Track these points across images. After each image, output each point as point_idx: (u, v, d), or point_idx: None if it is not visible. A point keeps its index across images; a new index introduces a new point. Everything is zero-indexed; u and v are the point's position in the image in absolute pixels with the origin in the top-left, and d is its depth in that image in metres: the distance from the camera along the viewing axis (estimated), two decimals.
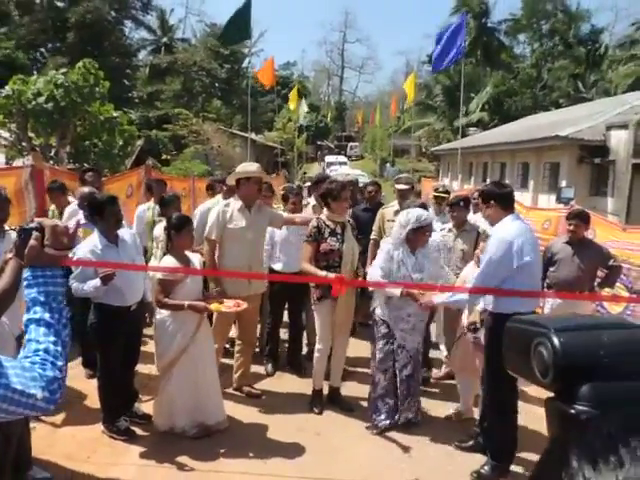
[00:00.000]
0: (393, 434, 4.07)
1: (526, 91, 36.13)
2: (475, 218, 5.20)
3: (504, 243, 3.32)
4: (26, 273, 1.47)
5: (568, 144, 16.22)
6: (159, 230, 4.87)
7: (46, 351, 1.37)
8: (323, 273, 3.96)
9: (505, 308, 3.26)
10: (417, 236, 3.94)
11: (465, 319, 3.96)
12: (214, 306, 3.69)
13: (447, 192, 5.79)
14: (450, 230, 4.91)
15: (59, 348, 1.40)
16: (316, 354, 4.50)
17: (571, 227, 4.93)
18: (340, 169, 30.80)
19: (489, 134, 27.40)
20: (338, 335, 4.41)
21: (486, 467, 3.56)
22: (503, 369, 3.28)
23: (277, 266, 5.18)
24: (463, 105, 30.58)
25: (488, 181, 22.86)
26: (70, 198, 5.51)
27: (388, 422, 4.09)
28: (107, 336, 3.74)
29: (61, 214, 5.21)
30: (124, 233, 3.88)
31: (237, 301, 3.92)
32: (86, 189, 4.90)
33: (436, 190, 5.85)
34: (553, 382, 1.09)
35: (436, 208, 5.81)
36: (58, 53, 35.10)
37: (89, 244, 3.68)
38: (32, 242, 1.47)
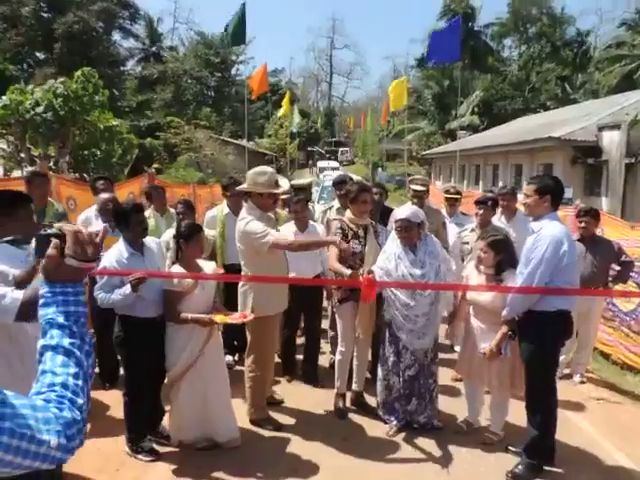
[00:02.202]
0: (421, 436, 4.04)
1: (515, 94, 36.44)
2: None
3: (556, 241, 3.30)
4: (42, 289, 1.23)
5: (561, 145, 16.35)
6: (167, 236, 4.80)
7: (64, 386, 1.12)
8: (349, 272, 3.89)
9: (549, 306, 3.26)
10: (400, 232, 3.94)
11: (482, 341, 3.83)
12: (219, 318, 3.58)
13: (459, 193, 5.80)
14: (473, 230, 4.91)
15: (80, 382, 1.14)
16: (338, 357, 4.47)
17: (582, 224, 4.97)
18: (333, 174, 30.78)
19: (481, 137, 27.60)
20: (360, 337, 4.37)
21: (520, 466, 3.55)
22: (543, 366, 3.29)
23: (290, 275, 5.00)
24: (454, 109, 30.85)
25: (481, 184, 23.07)
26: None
27: (399, 424, 4.09)
28: (134, 350, 3.63)
29: (37, 215, 4.88)
30: (149, 241, 3.81)
31: (243, 312, 3.85)
32: (106, 195, 4.84)
33: (447, 192, 5.85)
34: None
35: (449, 210, 5.81)
36: (45, 64, 34.90)
37: (115, 253, 3.61)
38: (50, 251, 1.24)
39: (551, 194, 3.41)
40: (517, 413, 3.86)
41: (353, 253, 4.25)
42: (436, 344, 4.06)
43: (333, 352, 5.48)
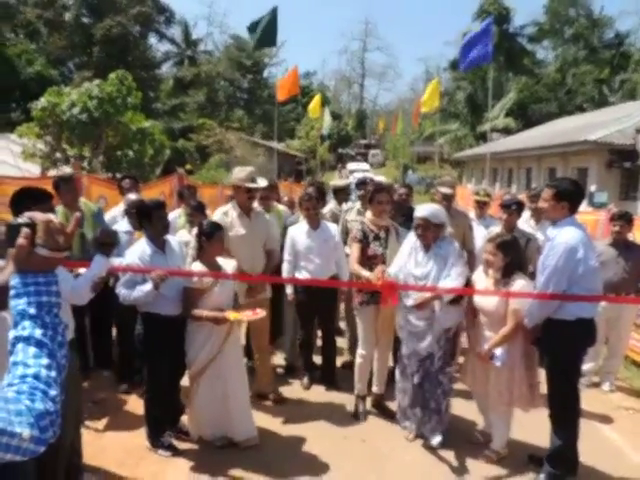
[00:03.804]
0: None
1: (550, 96, 35.73)
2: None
3: (570, 249, 3.22)
4: (14, 280, 1.20)
5: (596, 148, 15.95)
6: (185, 235, 4.84)
7: (36, 377, 1.10)
8: (372, 275, 3.80)
9: (568, 314, 3.17)
10: (416, 230, 3.84)
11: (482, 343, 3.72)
12: (233, 315, 3.60)
13: (488, 196, 5.70)
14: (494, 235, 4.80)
15: (53, 373, 1.12)
16: (358, 359, 4.43)
17: (616, 228, 4.89)
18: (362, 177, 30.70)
19: (514, 139, 27.13)
20: (382, 339, 4.33)
21: (542, 475, 3.46)
22: (565, 375, 3.20)
23: (302, 276, 4.90)
24: (487, 111, 30.38)
25: (514, 188, 22.67)
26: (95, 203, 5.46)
27: (416, 431, 4.01)
28: (156, 347, 3.66)
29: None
30: (171, 240, 3.85)
31: (255, 309, 3.84)
32: (134, 196, 4.91)
33: (477, 194, 5.75)
34: None
35: (477, 212, 5.71)
36: (84, 67, 35.83)
37: (138, 250, 3.66)
38: (21, 241, 1.21)
39: (569, 199, 3.33)
40: (540, 421, 3.76)
41: (374, 255, 4.22)
42: (445, 352, 3.85)
43: (351, 353, 5.48)
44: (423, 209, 3.89)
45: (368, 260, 4.18)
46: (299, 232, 4.87)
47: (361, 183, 5.53)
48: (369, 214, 4.39)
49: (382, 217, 4.31)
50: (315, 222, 4.88)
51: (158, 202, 3.78)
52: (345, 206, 5.82)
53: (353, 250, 4.25)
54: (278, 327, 5.60)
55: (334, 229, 4.97)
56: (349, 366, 5.37)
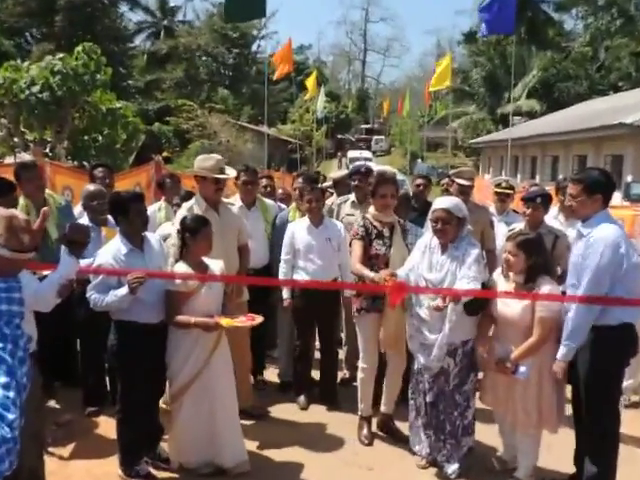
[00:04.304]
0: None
1: (580, 73, 35.75)
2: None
3: (612, 245, 3.23)
4: None
5: (634, 133, 15.96)
6: (168, 228, 4.83)
7: None
8: (377, 276, 3.78)
9: (612, 318, 3.20)
10: (434, 226, 3.81)
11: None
12: (225, 321, 3.60)
13: (511, 187, 5.70)
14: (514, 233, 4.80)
15: (11, 394, 1.07)
16: (360, 374, 4.43)
17: None
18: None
19: (538, 123, 27.19)
20: (391, 352, 4.30)
21: None
22: (606, 391, 3.20)
23: (300, 277, 4.93)
24: (507, 91, 30.42)
25: (537, 178, 22.72)
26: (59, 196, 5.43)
27: (429, 456, 3.99)
28: (131, 360, 3.64)
29: (38, 211, 5.01)
30: (150, 237, 3.84)
31: (251, 315, 3.88)
32: (92, 187, 4.88)
33: (498, 185, 5.75)
34: None
35: (498, 207, 5.72)
36: (46, 39, 35.67)
37: (111, 249, 3.65)
38: None
39: (602, 191, 3.35)
40: (568, 444, 3.76)
41: (376, 255, 4.22)
42: (462, 368, 3.83)
43: (349, 367, 5.48)
44: (442, 201, 3.89)
45: (369, 260, 4.19)
46: (299, 228, 4.89)
47: (356, 172, 5.51)
48: (372, 209, 4.38)
49: (386, 212, 4.31)
50: (317, 217, 4.88)
51: (136, 194, 3.79)
52: (337, 199, 5.77)
53: (354, 248, 4.24)
54: (271, 337, 5.60)
55: (339, 227, 4.98)
56: (348, 382, 5.38)
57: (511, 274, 3.66)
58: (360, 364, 4.43)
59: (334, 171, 9.06)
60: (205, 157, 4.51)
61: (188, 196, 5.12)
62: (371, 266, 4.11)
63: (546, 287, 3.50)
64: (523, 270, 3.57)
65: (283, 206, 5.91)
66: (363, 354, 4.38)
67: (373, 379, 4.42)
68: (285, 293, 4.95)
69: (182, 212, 4.32)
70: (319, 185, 5.64)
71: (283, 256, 4.92)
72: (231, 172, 4.62)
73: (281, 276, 4.93)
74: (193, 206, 4.39)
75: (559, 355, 3.42)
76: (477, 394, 4.00)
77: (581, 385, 3.45)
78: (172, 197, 5.65)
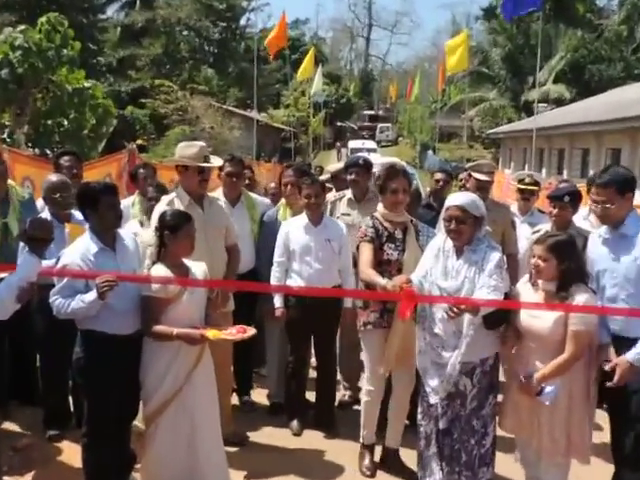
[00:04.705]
0: None
1: (614, 55, 35.87)
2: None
3: None
4: None
5: None
6: (134, 226, 4.86)
7: None
8: (391, 283, 3.74)
9: None
10: (448, 226, 3.79)
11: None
12: (212, 333, 3.59)
13: (536, 183, 5.72)
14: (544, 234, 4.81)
15: None
16: (365, 398, 4.42)
17: None
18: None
19: (566, 111, 27.24)
20: (397, 373, 4.31)
21: None
22: None
23: (295, 283, 4.93)
24: (531, 75, 30.52)
25: (565, 174, 22.79)
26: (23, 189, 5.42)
27: None
28: (100, 376, 3.62)
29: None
30: (124, 235, 3.84)
31: (242, 326, 3.85)
32: (54, 177, 4.87)
33: (521, 181, 5.77)
34: None
35: (521, 205, 5.73)
36: (4, 9, 35.59)
37: (79, 247, 3.64)
38: None
39: (632, 188, 3.44)
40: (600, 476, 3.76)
41: (388, 261, 4.22)
42: (481, 389, 3.82)
43: (349, 387, 5.50)
44: (457, 197, 3.88)
45: (380, 266, 4.18)
46: (295, 227, 4.89)
47: (353, 165, 5.50)
48: (380, 207, 4.39)
49: (397, 211, 4.31)
50: (316, 216, 4.89)
51: (108, 185, 3.80)
52: (332, 195, 5.72)
53: (363, 252, 4.22)
54: (259, 352, 5.59)
55: (341, 226, 4.99)
56: (347, 405, 5.38)
57: (540, 282, 3.64)
58: (365, 386, 4.42)
59: (332, 163, 9.00)
60: (187, 144, 4.52)
61: (160, 190, 5.12)
62: (382, 273, 4.09)
63: (581, 297, 3.48)
64: (555, 277, 3.55)
65: (267, 201, 5.92)
66: (369, 375, 4.37)
67: (379, 404, 4.41)
68: (277, 301, 4.94)
69: (161, 207, 4.31)
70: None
71: (276, 258, 4.91)
72: (217, 161, 4.65)
73: (273, 281, 4.91)
74: (174, 200, 4.39)
75: (631, 356, 3.37)
76: (496, 419, 3.99)
77: (633, 411, 3.44)
78: (147, 190, 5.64)
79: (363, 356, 4.44)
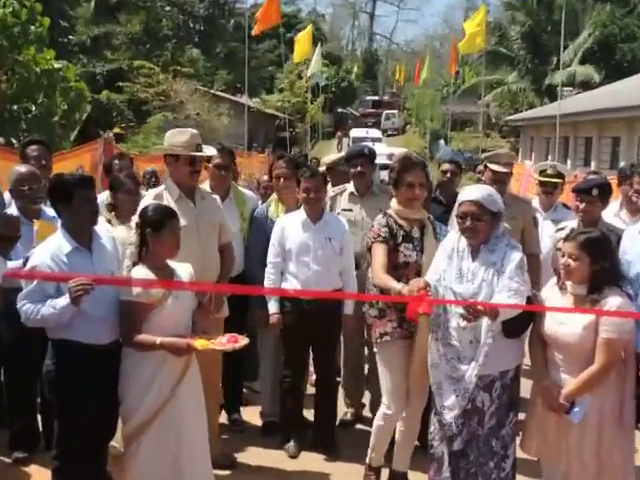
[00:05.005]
0: None
1: None
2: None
3: None
4: None
5: None
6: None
7: None
8: (407, 288, 3.72)
9: None
10: (462, 223, 3.79)
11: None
12: (200, 343, 3.61)
13: (559, 175, 5.73)
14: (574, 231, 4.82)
15: None
16: (379, 422, 4.38)
17: None
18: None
19: (594, 96, 27.25)
20: (412, 389, 4.26)
21: None
22: None
23: (290, 287, 4.91)
24: (555, 55, 30.54)
25: (593, 165, 22.80)
26: None
27: None
28: (73, 390, 3.61)
29: None
30: (101, 233, 3.85)
31: (234, 335, 3.85)
32: (23, 168, 4.88)
33: (542, 172, 5.78)
34: None
35: (543, 200, 5.74)
36: None
37: (50, 247, 3.63)
38: None
39: None
40: None
41: (405, 264, 4.22)
42: (501, 406, 3.82)
43: (352, 404, 5.53)
44: (473, 190, 3.88)
45: (396, 270, 4.18)
46: (292, 223, 4.89)
47: (357, 155, 5.52)
48: (394, 203, 4.39)
49: (413, 207, 4.32)
50: (316, 212, 4.90)
51: (83, 177, 3.80)
52: (331, 190, 5.72)
53: (377, 254, 4.21)
54: (251, 365, 5.60)
55: (343, 224, 5.00)
56: (349, 424, 5.38)
57: (569, 284, 3.64)
58: (382, 409, 4.37)
59: (332, 154, 8.95)
60: (178, 131, 4.56)
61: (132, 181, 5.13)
62: (399, 277, 4.08)
63: (615, 300, 3.47)
64: (586, 279, 3.55)
65: (254, 195, 5.95)
66: (388, 395, 4.32)
67: (393, 427, 4.38)
68: (272, 306, 4.91)
69: (147, 201, 4.33)
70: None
71: (270, 258, 4.91)
72: (210, 150, 4.69)
73: (267, 284, 4.92)
74: (162, 193, 4.42)
75: None
76: (517, 439, 3.99)
77: None
78: None
79: (380, 373, 4.37)
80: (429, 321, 3.85)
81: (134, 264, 3.77)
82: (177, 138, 4.41)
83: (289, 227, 4.90)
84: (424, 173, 4.37)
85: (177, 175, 4.44)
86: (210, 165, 5.16)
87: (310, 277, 4.81)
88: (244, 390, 5.71)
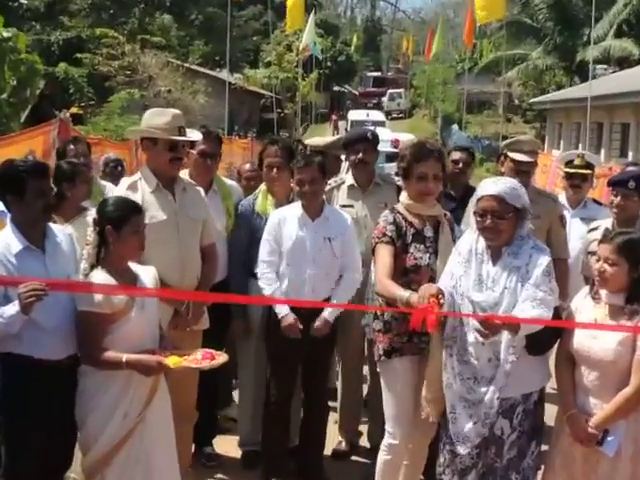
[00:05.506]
0: None
1: None
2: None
3: None
4: None
5: None
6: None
7: None
8: (416, 296, 3.63)
9: None
10: (481, 222, 3.77)
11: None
12: (172, 360, 3.60)
13: (589, 166, 5.75)
14: (608, 230, 4.84)
15: None
16: (384, 456, 4.34)
17: None
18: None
19: (632, 75, 27.36)
20: (419, 419, 4.22)
21: None
22: None
23: (280, 292, 4.86)
24: (587, 27, 30.60)
25: (630, 156, 22.88)
26: None
27: None
28: (22, 413, 3.63)
29: None
30: (57, 231, 3.85)
31: (209, 351, 3.84)
32: None
33: (568, 163, 5.81)
34: None
35: (571, 195, 5.76)
36: None
37: None
38: None
39: None
40: None
41: (417, 267, 4.20)
42: (522, 434, 3.82)
43: (349, 432, 5.51)
44: (494, 183, 3.86)
45: (405, 275, 4.17)
46: (288, 218, 4.86)
47: (359, 140, 5.49)
48: (404, 198, 4.39)
49: (426, 202, 4.31)
50: (314, 207, 4.87)
51: (37, 164, 3.78)
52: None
53: (381, 256, 4.20)
54: (224, 389, 5.59)
55: (345, 219, 4.97)
56: (343, 455, 5.40)
57: (603, 293, 3.65)
58: (387, 439, 4.34)
59: (313, 138, 8.72)
60: (157, 111, 4.61)
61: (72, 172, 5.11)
62: (408, 283, 4.06)
63: None
64: (624, 286, 3.56)
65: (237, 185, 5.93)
66: (393, 423, 4.31)
67: (401, 460, 4.36)
68: (282, 309, 4.75)
69: (120, 191, 4.37)
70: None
71: (265, 256, 4.85)
72: (195, 135, 4.71)
73: (263, 284, 4.85)
74: (137, 183, 4.43)
75: None
76: (540, 473, 4.02)
77: None
78: None
79: (384, 396, 4.34)
80: (440, 335, 3.85)
81: (92, 267, 3.73)
82: (156, 119, 4.43)
83: (284, 222, 4.84)
84: (439, 164, 4.32)
85: (155, 162, 4.46)
86: (193, 152, 5.11)
87: (305, 282, 4.78)
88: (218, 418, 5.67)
